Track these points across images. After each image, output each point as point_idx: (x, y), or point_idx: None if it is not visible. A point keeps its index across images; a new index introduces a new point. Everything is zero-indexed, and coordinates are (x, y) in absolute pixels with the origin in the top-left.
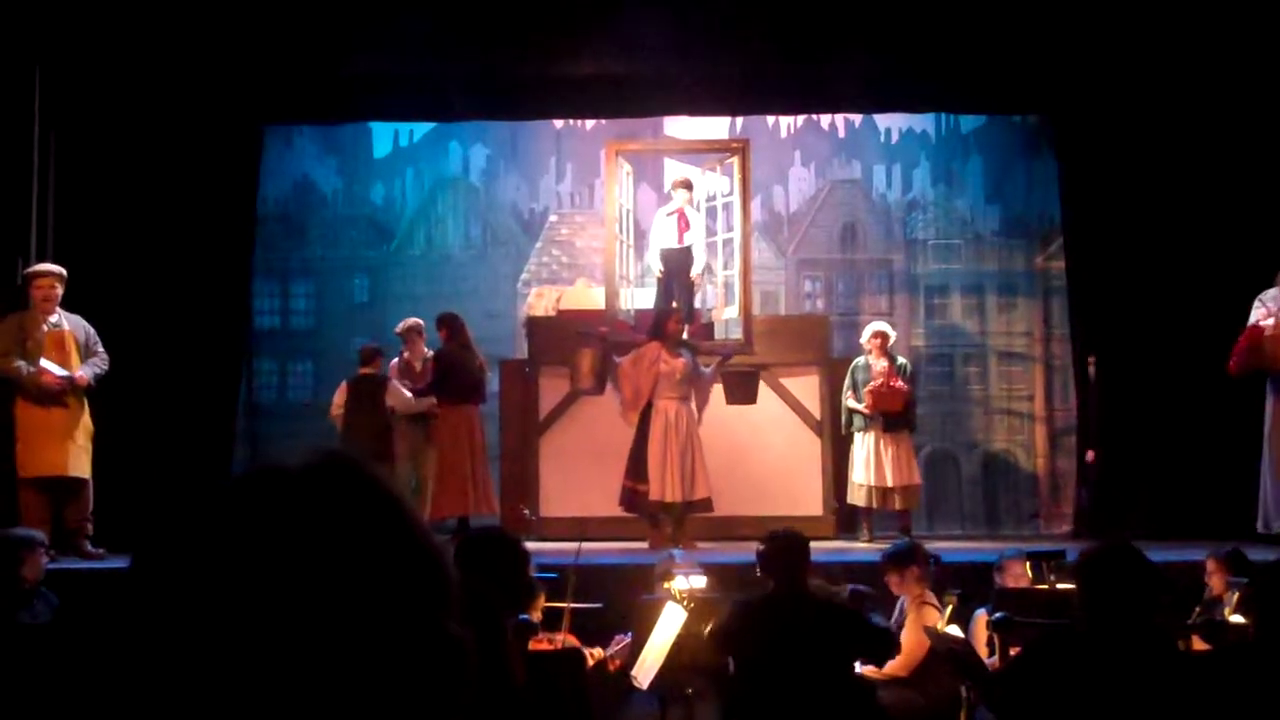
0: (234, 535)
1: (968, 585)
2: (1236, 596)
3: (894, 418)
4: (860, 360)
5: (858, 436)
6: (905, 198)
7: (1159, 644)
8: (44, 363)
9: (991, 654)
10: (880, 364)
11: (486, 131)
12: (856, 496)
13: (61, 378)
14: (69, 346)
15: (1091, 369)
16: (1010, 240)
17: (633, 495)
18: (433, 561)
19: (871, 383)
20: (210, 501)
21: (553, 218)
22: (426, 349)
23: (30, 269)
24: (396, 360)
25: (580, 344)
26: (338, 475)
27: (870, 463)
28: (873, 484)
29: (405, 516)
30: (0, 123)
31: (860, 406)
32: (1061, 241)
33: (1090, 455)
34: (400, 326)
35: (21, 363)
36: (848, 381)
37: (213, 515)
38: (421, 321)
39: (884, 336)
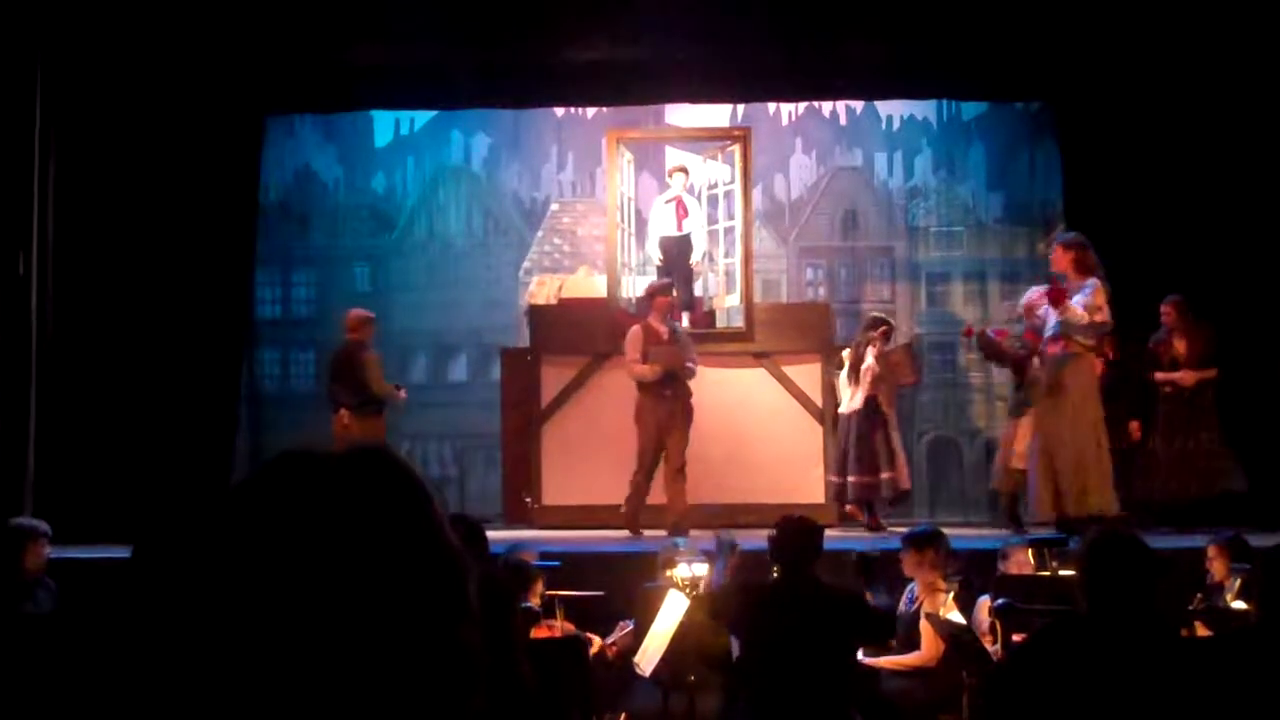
0: (255, 519)
1: (970, 572)
2: (1238, 583)
3: None
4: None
5: None
6: (907, 185)
7: (1161, 630)
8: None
9: (994, 641)
10: None
11: (488, 120)
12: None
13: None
14: None
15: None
16: (1012, 227)
17: (874, 486)
18: (452, 565)
19: None
20: (239, 485)
21: (554, 206)
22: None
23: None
24: (638, 326)
25: (889, 338)
26: (368, 468)
27: None
28: None
29: (431, 517)
30: (1, 113)
31: None
32: (1063, 228)
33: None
34: (643, 292)
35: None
36: None
37: (237, 498)
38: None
39: None
